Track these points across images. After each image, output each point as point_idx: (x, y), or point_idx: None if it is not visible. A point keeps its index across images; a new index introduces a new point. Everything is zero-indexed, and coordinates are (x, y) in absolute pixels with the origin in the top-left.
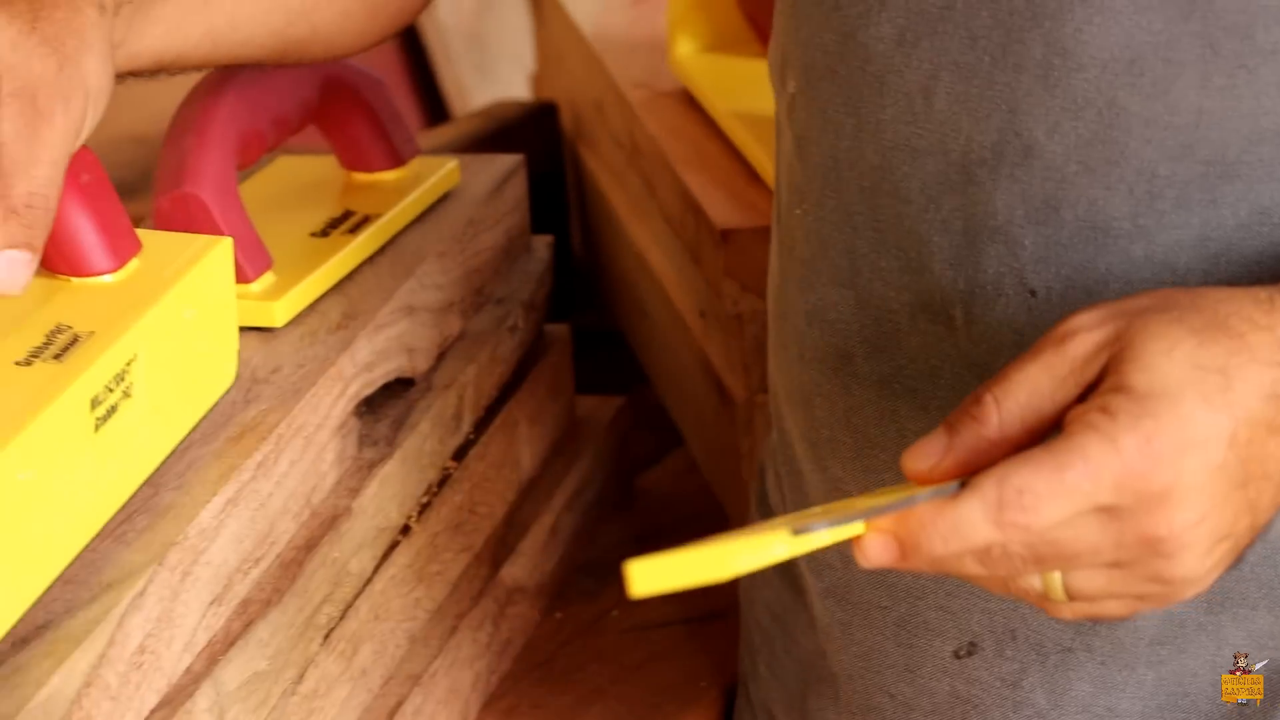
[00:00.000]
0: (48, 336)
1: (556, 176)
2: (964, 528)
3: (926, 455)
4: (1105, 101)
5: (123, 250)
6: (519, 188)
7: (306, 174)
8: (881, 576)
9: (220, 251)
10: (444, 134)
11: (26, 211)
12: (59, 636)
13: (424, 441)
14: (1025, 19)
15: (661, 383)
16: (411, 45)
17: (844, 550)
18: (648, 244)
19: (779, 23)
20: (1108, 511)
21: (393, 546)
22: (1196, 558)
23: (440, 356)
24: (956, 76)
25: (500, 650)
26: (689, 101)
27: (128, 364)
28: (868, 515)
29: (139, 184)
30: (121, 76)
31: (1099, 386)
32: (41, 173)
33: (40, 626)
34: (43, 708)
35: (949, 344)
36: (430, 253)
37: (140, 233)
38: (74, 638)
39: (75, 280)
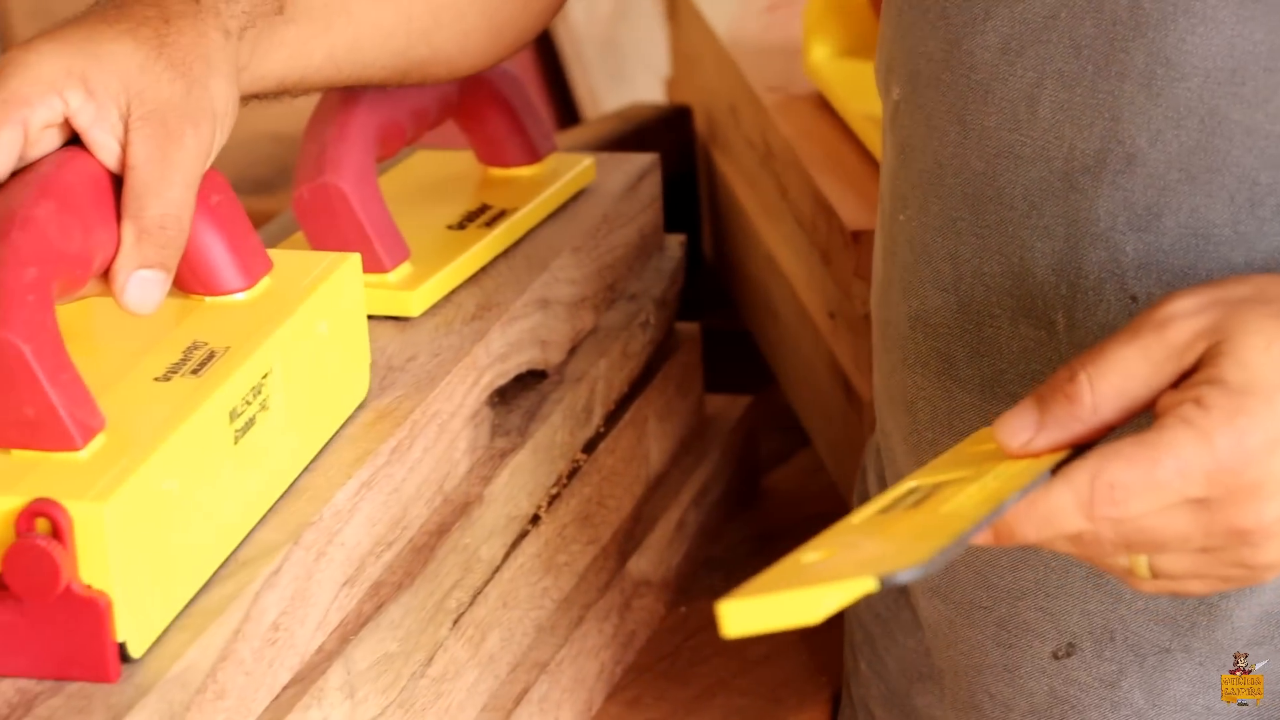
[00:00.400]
0: (185, 353)
1: (689, 178)
2: (1056, 518)
3: (1018, 431)
4: (1207, 110)
5: (254, 269)
6: (653, 186)
7: (444, 168)
8: (984, 576)
9: (349, 267)
10: (579, 135)
11: (159, 233)
12: (196, 611)
13: (555, 433)
14: (1129, 29)
15: (789, 383)
16: (546, 52)
17: None
18: (778, 245)
19: (884, 31)
20: (1198, 503)
21: (522, 536)
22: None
23: (572, 350)
24: (1060, 85)
25: (625, 642)
26: (822, 105)
27: (264, 377)
28: (960, 541)
29: (276, 180)
30: (245, 99)
31: (1194, 376)
32: (174, 194)
33: None
34: (179, 679)
35: (1050, 348)
36: (565, 248)
37: (271, 252)
38: (211, 612)
39: (209, 299)
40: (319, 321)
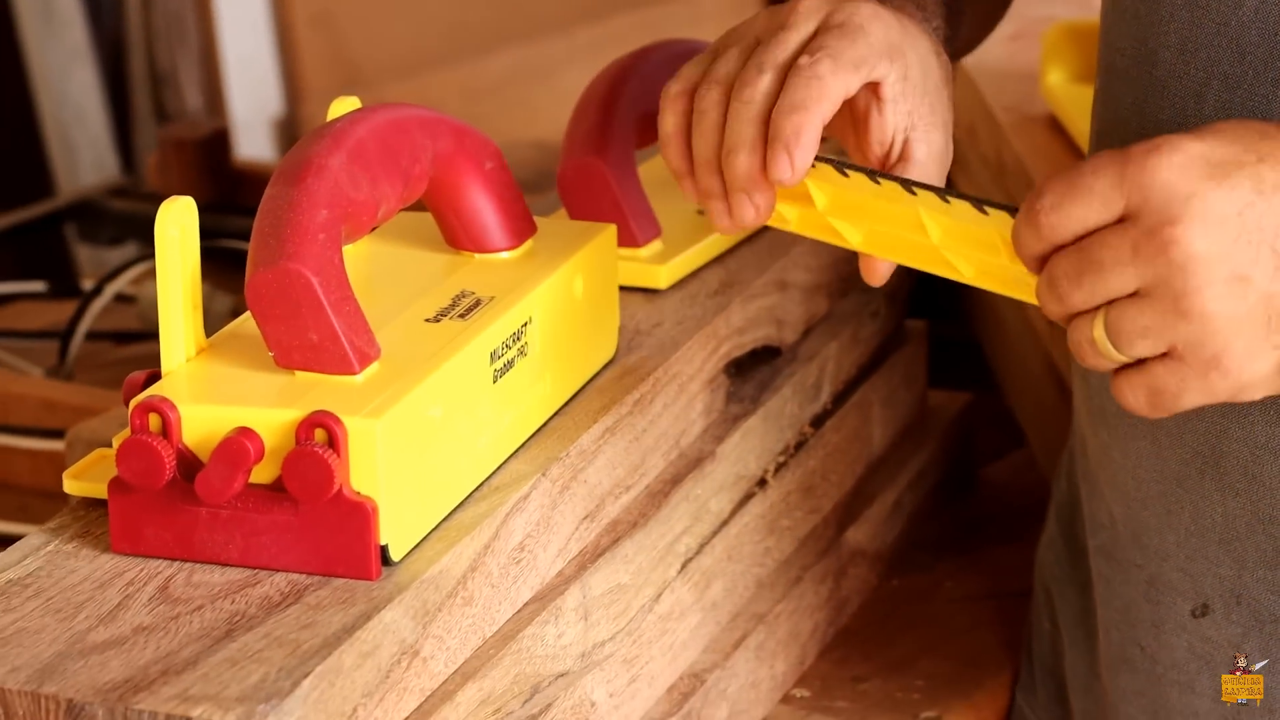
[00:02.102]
0: (454, 299)
1: None
2: (1020, 240)
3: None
4: None
5: (520, 231)
6: None
7: None
8: (1137, 537)
9: (606, 237)
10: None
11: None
12: (452, 525)
13: (785, 404)
14: None
15: (1009, 385)
16: None
17: (1116, 511)
18: None
19: (1100, 26)
20: (1124, 221)
21: (749, 496)
22: (1217, 291)
23: (806, 332)
24: (1224, 86)
25: (839, 606)
26: (1055, 126)
27: (523, 325)
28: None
29: (536, 182)
30: None
31: None
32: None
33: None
34: (433, 582)
35: None
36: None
37: (537, 219)
38: (465, 527)
39: (478, 256)
40: (575, 281)
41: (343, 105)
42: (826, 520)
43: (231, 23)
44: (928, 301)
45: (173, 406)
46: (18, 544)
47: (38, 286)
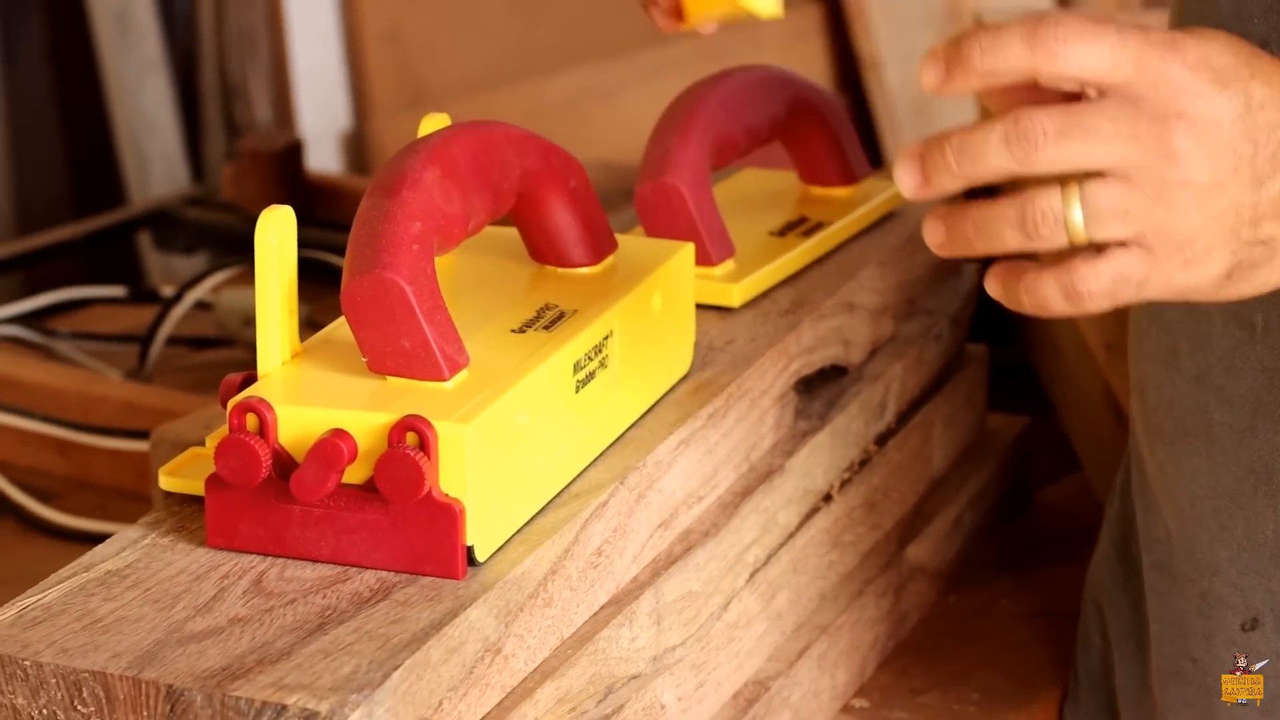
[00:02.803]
0: (538, 311)
1: None
2: (1002, 43)
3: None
4: None
5: (602, 248)
6: None
7: (769, 185)
8: (1190, 552)
9: (684, 255)
10: None
11: None
12: (534, 529)
13: (851, 422)
14: None
15: (1066, 410)
16: (859, 106)
17: (1171, 526)
18: None
19: None
20: (1130, 100)
21: (815, 511)
22: (1199, 189)
23: (873, 353)
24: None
25: (899, 619)
26: None
27: (604, 338)
28: None
29: (607, 202)
30: None
31: None
32: None
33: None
34: (516, 583)
35: (1249, 348)
36: (872, 260)
37: (618, 237)
38: (546, 531)
39: (561, 270)
40: (654, 297)
41: (433, 122)
42: (888, 536)
43: (302, 37)
44: (987, 326)
45: (270, 407)
46: (114, 537)
47: (118, 291)
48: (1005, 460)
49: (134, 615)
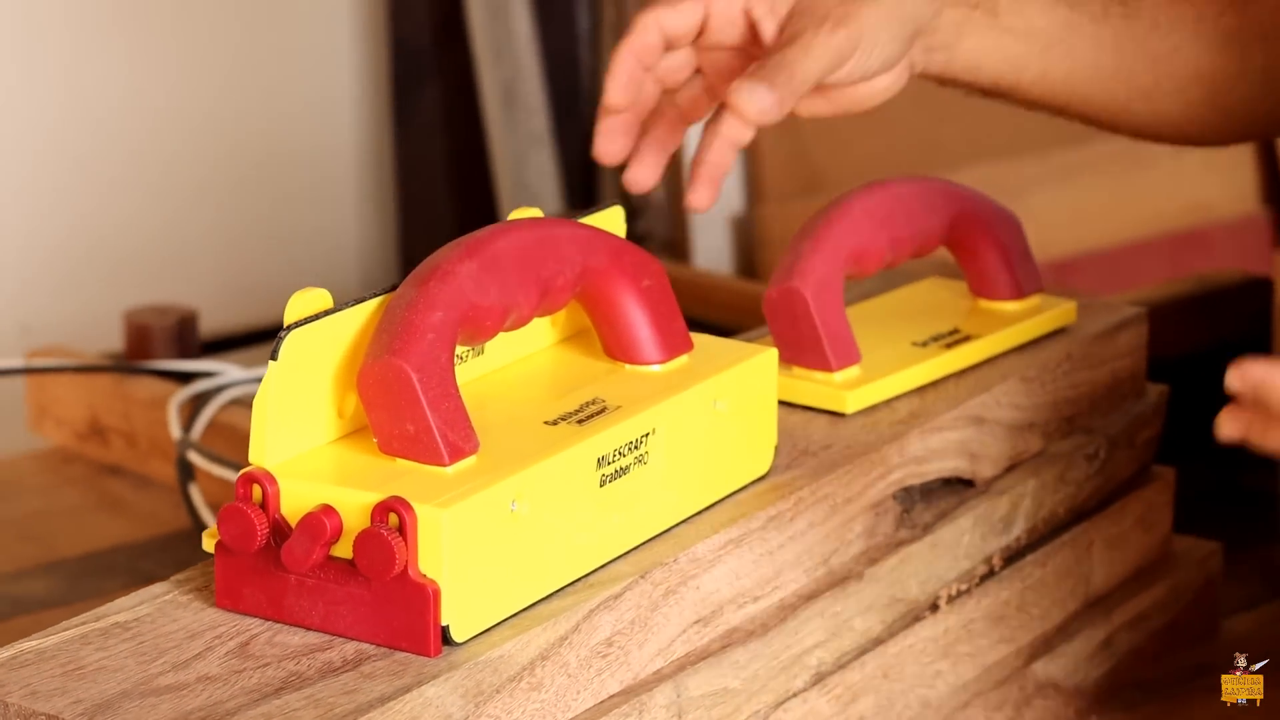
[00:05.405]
0: (581, 406)
1: (1261, 348)
2: None
3: None
4: None
5: (673, 347)
6: (1136, 337)
7: (943, 293)
8: None
9: (764, 360)
10: (1141, 294)
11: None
12: (531, 615)
13: (962, 535)
14: None
15: None
16: None
17: None
18: None
19: None
20: None
21: (917, 619)
22: None
23: (1011, 468)
24: None
25: None
26: None
27: (643, 435)
28: None
29: None
30: (946, 80)
31: None
32: (807, 65)
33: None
34: (491, 664)
35: None
36: (1014, 376)
37: (697, 336)
38: (540, 618)
39: (628, 367)
40: (715, 399)
41: (522, 214)
42: (1019, 651)
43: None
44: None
45: (272, 479)
46: (143, 590)
47: None
48: (1181, 582)
49: (115, 666)
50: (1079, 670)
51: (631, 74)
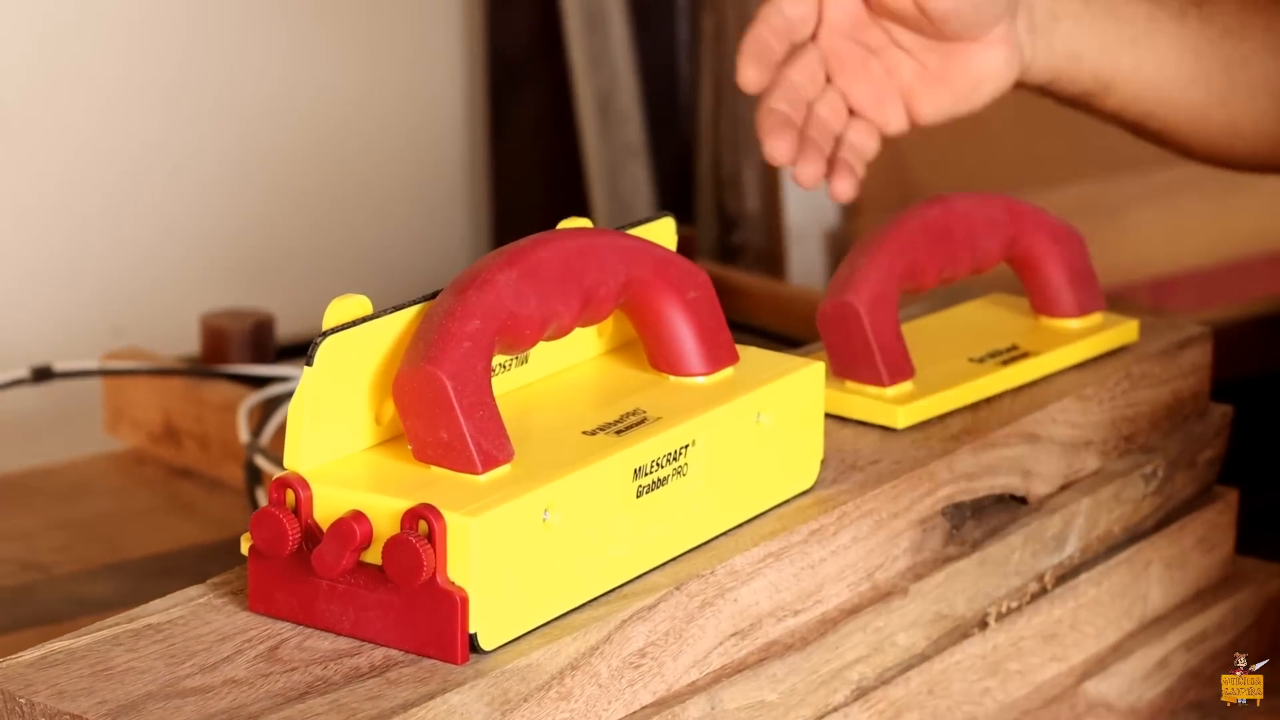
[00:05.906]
0: (621, 417)
1: None
2: None
3: None
4: None
5: (718, 359)
6: (1199, 356)
7: (1003, 310)
8: None
9: (810, 373)
10: (1214, 312)
11: None
12: (562, 624)
13: (1012, 552)
14: None
15: None
16: None
17: None
18: None
19: None
20: None
21: (965, 636)
22: None
23: (1066, 486)
24: None
25: None
26: None
27: (683, 447)
28: None
29: None
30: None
31: None
32: None
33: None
34: (518, 673)
35: None
36: (1071, 394)
37: (744, 349)
38: (571, 627)
39: (672, 379)
40: (758, 412)
41: (570, 224)
42: (1071, 669)
43: None
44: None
45: (305, 484)
46: (179, 592)
47: None
48: (1241, 605)
49: (143, 668)
50: (1133, 690)
51: (759, 54)
